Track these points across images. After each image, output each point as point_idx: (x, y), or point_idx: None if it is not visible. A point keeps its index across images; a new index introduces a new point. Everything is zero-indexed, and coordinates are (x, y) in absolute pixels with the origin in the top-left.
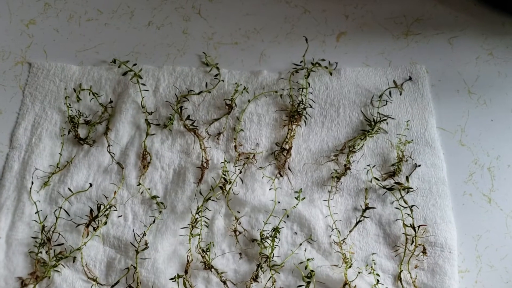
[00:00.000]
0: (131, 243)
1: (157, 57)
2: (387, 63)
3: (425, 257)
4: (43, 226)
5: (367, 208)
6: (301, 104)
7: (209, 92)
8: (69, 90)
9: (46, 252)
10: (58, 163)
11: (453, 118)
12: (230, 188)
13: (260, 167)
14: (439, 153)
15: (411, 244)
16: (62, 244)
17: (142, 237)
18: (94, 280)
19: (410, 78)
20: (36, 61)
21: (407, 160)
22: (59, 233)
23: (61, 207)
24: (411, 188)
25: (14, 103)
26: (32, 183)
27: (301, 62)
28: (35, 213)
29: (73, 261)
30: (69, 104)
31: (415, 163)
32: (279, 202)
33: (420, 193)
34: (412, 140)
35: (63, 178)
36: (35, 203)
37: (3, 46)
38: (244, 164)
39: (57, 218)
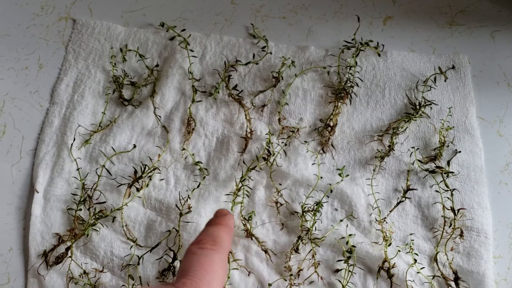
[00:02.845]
0: (176, 205)
1: (204, 25)
2: (431, 51)
3: (462, 240)
4: (83, 184)
5: (408, 189)
6: (348, 82)
7: (256, 64)
8: (114, 50)
9: (88, 209)
10: (100, 122)
11: (492, 109)
12: (274, 160)
13: (305, 141)
14: (478, 141)
15: (449, 227)
16: (104, 202)
17: (186, 200)
18: (134, 241)
19: (453, 67)
20: (81, 18)
21: (448, 146)
22: (101, 192)
23: (103, 166)
24: (452, 172)
25: (56, 58)
26: (74, 139)
27: (352, 40)
28: (76, 170)
29: (113, 221)
30: (115, 64)
31: (456, 149)
32: (321, 178)
33: (458, 179)
34: (453, 126)
35: (105, 138)
36: (75, 160)
37: (47, 1)
38: (288, 137)
39: (99, 177)
